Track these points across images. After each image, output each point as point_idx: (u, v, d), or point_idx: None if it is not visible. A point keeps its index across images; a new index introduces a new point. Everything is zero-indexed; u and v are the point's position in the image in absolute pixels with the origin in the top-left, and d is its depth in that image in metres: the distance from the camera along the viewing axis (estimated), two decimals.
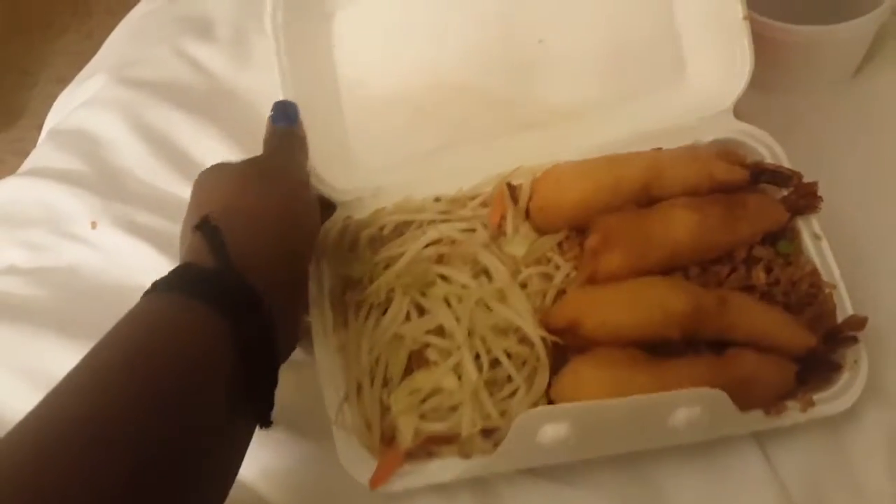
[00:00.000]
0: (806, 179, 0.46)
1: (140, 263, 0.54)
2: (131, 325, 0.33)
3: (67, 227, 0.58)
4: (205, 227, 0.37)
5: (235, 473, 0.36)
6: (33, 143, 0.68)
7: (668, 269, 0.43)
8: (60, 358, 0.49)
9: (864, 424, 0.43)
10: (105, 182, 0.60)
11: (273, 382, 0.37)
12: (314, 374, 0.45)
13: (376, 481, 0.42)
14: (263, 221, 0.39)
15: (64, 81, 0.75)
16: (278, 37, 0.49)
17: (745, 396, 0.38)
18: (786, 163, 0.47)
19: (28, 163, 0.65)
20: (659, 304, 0.40)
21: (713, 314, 0.40)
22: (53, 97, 0.74)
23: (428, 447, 0.43)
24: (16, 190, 0.61)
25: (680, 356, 0.40)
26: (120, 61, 0.70)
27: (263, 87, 0.50)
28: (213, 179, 0.41)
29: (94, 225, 0.57)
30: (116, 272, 0.55)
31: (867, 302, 0.44)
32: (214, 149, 0.60)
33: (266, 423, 0.37)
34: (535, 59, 0.51)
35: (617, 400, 0.37)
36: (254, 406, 0.36)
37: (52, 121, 0.72)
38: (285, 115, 0.47)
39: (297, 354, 0.48)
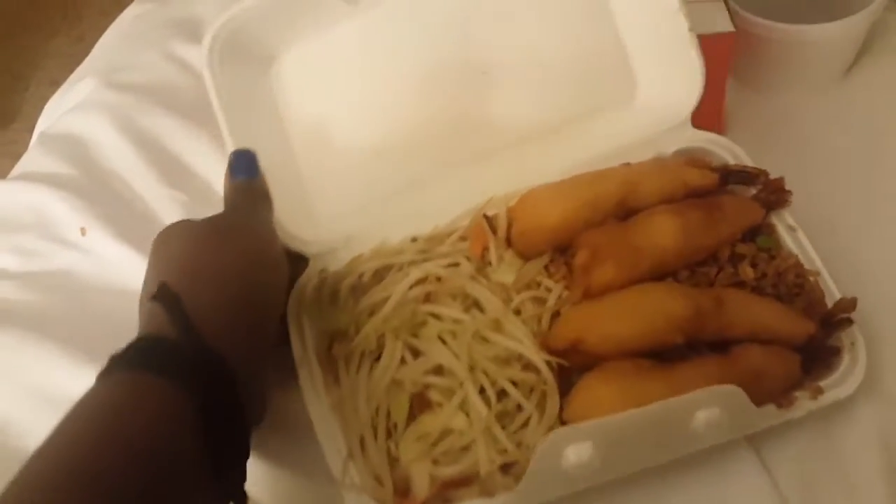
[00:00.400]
0: (794, 177, 0.47)
1: (129, 269, 0.54)
2: (90, 412, 0.31)
3: (57, 231, 0.57)
4: (163, 295, 0.35)
5: None
6: (26, 146, 0.67)
7: (658, 275, 0.43)
8: (50, 363, 0.49)
9: (857, 421, 0.44)
10: (95, 187, 0.59)
11: (244, 454, 0.35)
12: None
13: None
14: (225, 281, 0.37)
15: (56, 84, 0.74)
16: (217, 83, 0.47)
17: (756, 391, 0.38)
18: (749, 164, 0.48)
19: (18, 167, 0.64)
20: (660, 310, 0.40)
21: (712, 314, 0.40)
22: (46, 100, 0.74)
23: (445, 494, 0.41)
24: (5, 194, 0.60)
25: (685, 360, 0.40)
26: (110, 65, 0.70)
27: None
28: (171, 241, 0.39)
29: (83, 231, 0.56)
30: (106, 277, 0.55)
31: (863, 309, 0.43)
32: (205, 153, 0.60)
33: (241, 498, 0.35)
34: (489, 85, 0.51)
35: (637, 411, 0.36)
36: (225, 483, 0.34)
37: (42, 124, 0.71)
38: (245, 167, 0.44)
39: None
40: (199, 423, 0.32)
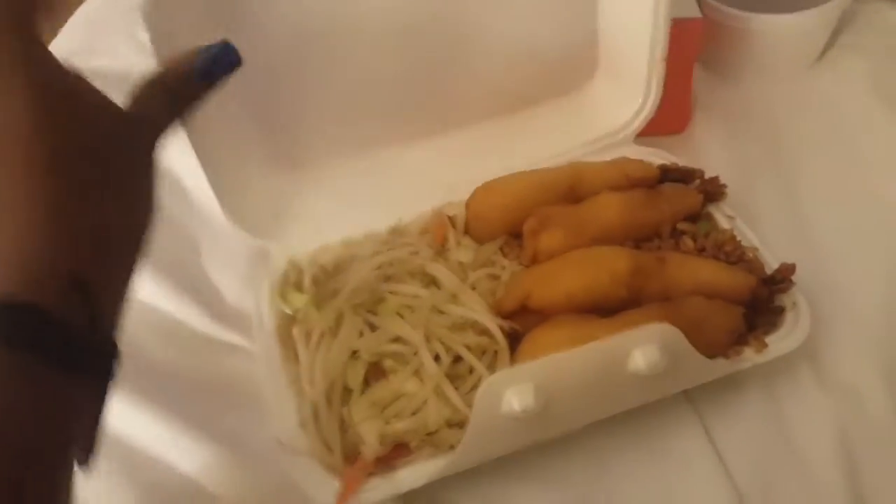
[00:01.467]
0: (759, 165, 0.51)
1: None
2: None
3: None
4: (78, 287, 0.27)
5: None
6: None
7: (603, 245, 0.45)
8: None
9: (811, 409, 0.44)
10: None
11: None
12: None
13: (343, 498, 0.39)
14: (123, 242, 0.30)
15: None
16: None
17: (698, 338, 0.39)
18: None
19: None
20: (604, 266, 0.41)
21: (655, 271, 0.42)
22: None
23: (392, 462, 0.41)
24: None
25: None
26: (74, 49, 0.71)
27: None
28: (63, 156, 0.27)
29: None
30: None
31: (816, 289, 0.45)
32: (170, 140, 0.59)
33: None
34: (459, 55, 0.51)
35: (575, 350, 0.37)
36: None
37: None
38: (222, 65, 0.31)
39: (237, 339, 0.49)
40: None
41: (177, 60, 0.31)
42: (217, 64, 0.31)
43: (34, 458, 0.25)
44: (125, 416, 0.45)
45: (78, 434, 0.27)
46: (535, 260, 0.44)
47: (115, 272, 0.30)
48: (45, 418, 0.26)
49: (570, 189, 0.48)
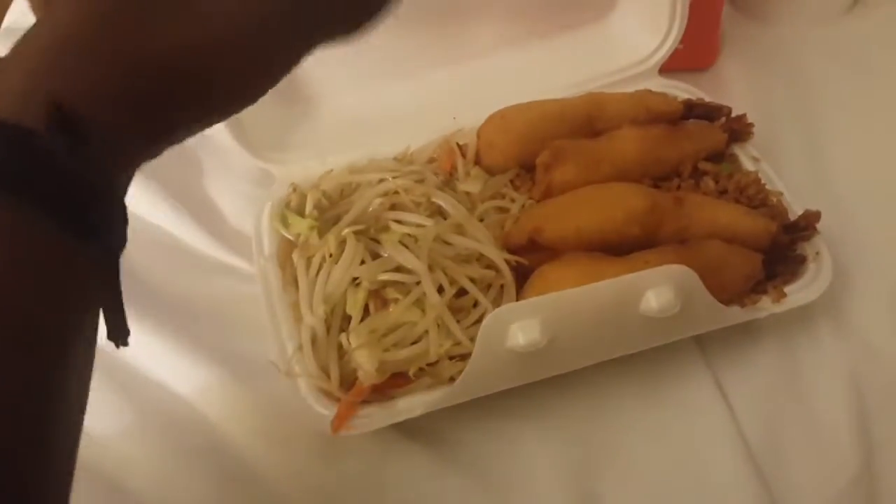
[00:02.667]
0: (788, 111, 0.48)
1: None
2: None
3: None
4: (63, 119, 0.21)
5: None
6: None
7: (619, 181, 0.43)
8: None
9: (827, 363, 0.42)
10: None
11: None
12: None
13: (338, 425, 0.38)
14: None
15: None
16: None
17: (714, 283, 0.37)
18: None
19: None
20: (618, 204, 0.40)
21: (672, 212, 0.40)
22: None
23: (390, 391, 0.40)
24: None
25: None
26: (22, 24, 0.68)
27: None
28: None
29: None
30: None
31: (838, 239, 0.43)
32: None
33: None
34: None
35: (585, 287, 0.35)
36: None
37: None
38: None
39: (236, 262, 0.48)
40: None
41: None
42: None
43: (34, 332, 0.21)
44: None
45: (96, 319, 0.23)
46: (547, 195, 0.42)
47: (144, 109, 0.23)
48: (46, 281, 0.21)
49: (589, 121, 0.46)
